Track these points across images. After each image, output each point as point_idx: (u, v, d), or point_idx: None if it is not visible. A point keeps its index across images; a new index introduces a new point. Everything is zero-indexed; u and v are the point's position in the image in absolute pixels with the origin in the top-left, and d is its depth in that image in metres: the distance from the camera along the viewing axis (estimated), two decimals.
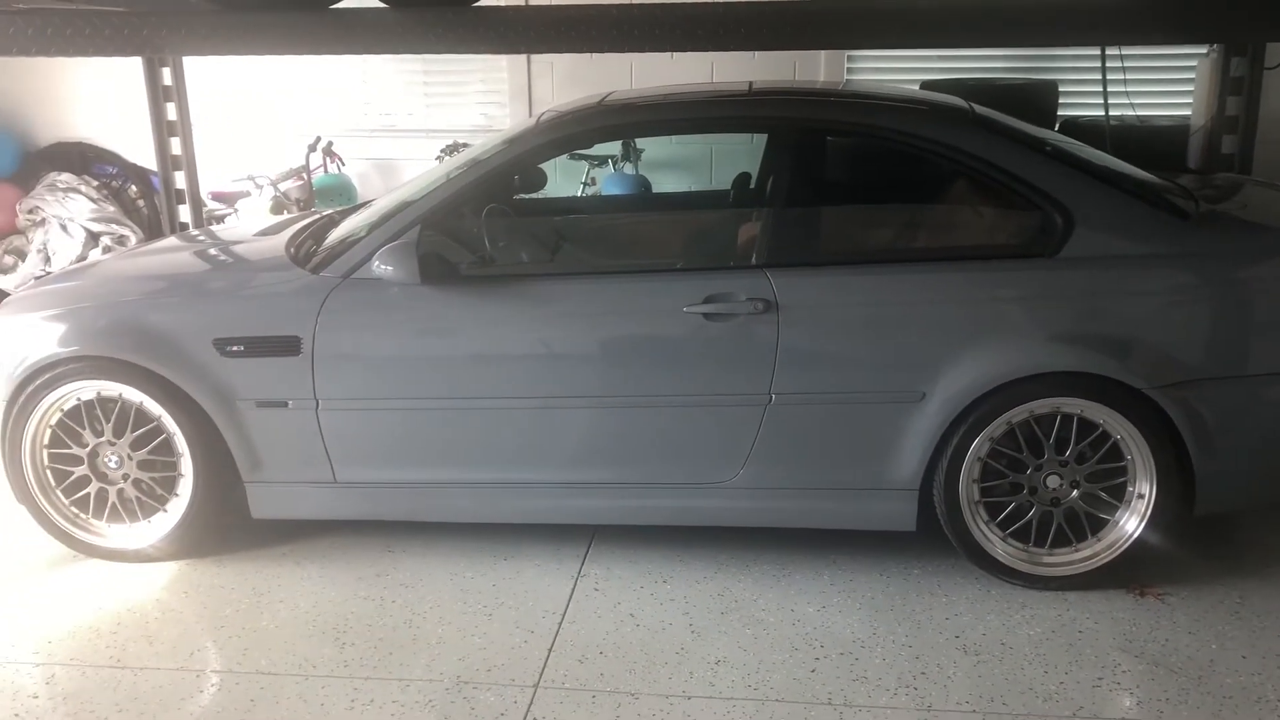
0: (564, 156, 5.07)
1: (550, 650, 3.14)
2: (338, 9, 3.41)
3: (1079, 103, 6.14)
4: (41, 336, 3.55)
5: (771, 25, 3.21)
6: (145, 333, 3.49)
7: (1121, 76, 5.16)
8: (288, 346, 3.43)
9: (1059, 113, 5.78)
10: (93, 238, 6.55)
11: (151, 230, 6.84)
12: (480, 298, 3.41)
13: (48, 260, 6.50)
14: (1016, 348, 3.24)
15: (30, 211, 6.59)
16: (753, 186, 3.52)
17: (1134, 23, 3.29)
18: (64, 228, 6.53)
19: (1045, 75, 6.05)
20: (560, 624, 3.27)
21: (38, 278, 6.44)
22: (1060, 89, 5.80)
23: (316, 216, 4.30)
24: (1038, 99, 5.62)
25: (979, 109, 3.66)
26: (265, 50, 3.56)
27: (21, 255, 6.55)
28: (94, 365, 3.52)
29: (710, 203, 4.24)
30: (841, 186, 3.60)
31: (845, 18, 3.29)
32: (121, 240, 6.60)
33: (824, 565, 3.57)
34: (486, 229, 3.61)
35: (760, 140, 4.45)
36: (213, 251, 4.13)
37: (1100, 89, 5.13)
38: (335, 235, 3.80)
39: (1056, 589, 3.39)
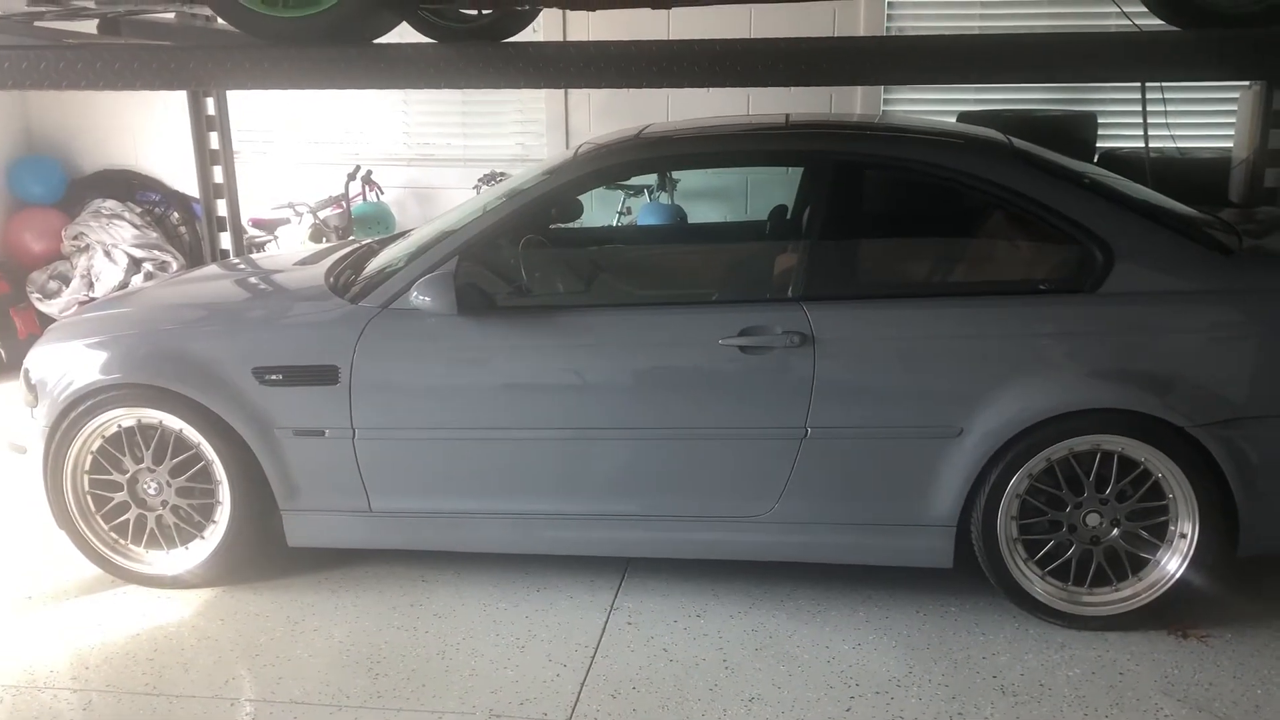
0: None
1: (583, 684, 3.12)
2: (380, 44, 3.44)
3: (1118, 134, 6.09)
4: (85, 363, 3.60)
5: (808, 61, 3.21)
6: (186, 361, 3.53)
7: (1162, 109, 5.11)
8: (326, 376, 3.45)
9: (1098, 144, 5.73)
10: (135, 263, 6.64)
11: (192, 256, 6.93)
12: (517, 328, 3.42)
13: (91, 285, 6.59)
14: (1056, 384, 3.20)
15: (75, 237, 6.70)
16: (789, 218, 3.51)
17: (1175, 59, 3.25)
18: (108, 254, 6.63)
19: (1084, 107, 6.01)
20: (593, 657, 3.26)
21: (82, 303, 6.54)
22: (1099, 120, 5.75)
23: (355, 246, 4.33)
24: (1076, 130, 5.57)
25: (1018, 142, 3.64)
26: (307, 85, 3.60)
27: (66, 280, 6.65)
28: (136, 393, 3.56)
29: (746, 234, 4.25)
30: (879, 220, 3.58)
31: (882, 55, 3.29)
32: (163, 266, 6.69)
33: (860, 602, 3.54)
34: (523, 260, 3.63)
35: (797, 171, 4.46)
36: (252, 280, 4.18)
37: (1140, 120, 5.10)
38: (374, 265, 3.83)
39: (1096, 629, 3.34)
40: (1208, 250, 3.31)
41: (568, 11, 6.23)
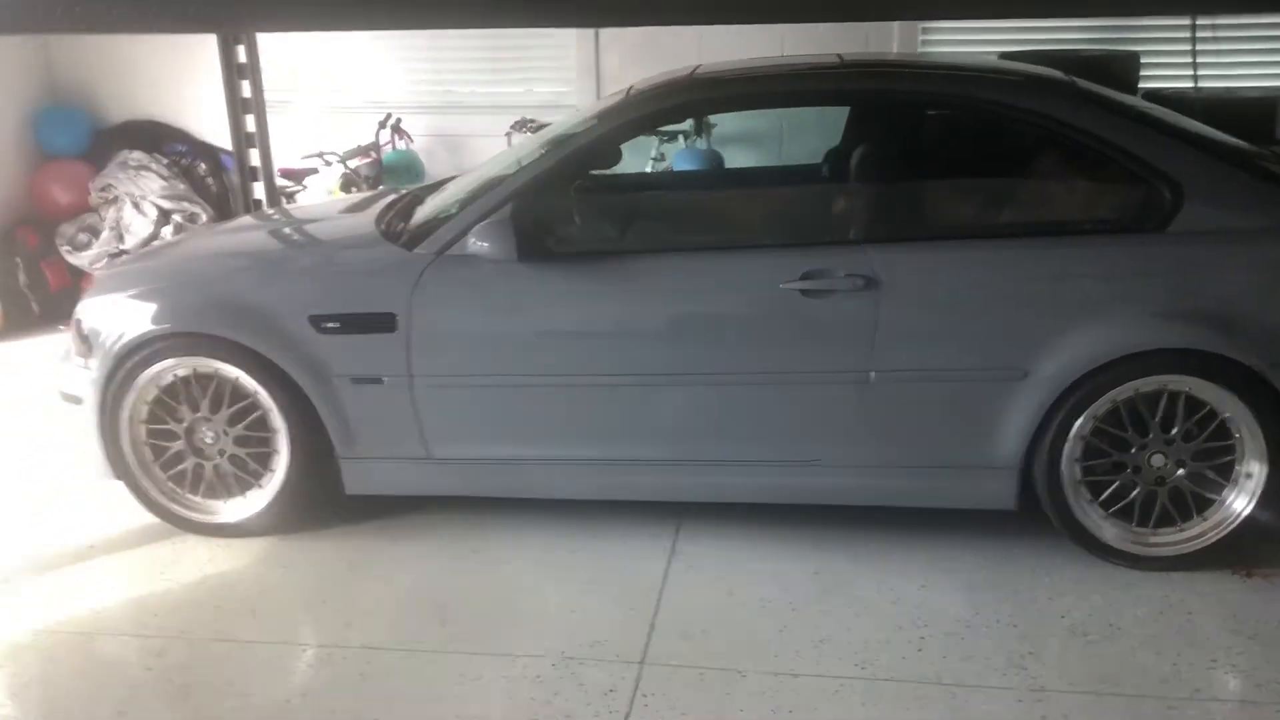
0: None
1: (652, 627, 3.13)
2: None
3: (1161, 75, 5.99)
4: (138, 313, 3.57)
5: None
6: (241, 309, 3.51)
7: (1212, 47, 5.04)
8: (383, 323, 3.43)
9: (1140, 85, 5.65)
10: (164, 215, 6.59)
11: (220, 208, 6.88)
12: (575, 274, 3.40)
13: (121, 237, 6.55)
14: (1123, 325, 3.17)
15: (103, 189, 6.64)
16: (850, 160, 3.46)
17: None
18: (136, 205, 6.57)
19: (1126, 46, 5.91)
20: (659, 600, 3.27)
21: (112, 255, 6.51)
22: (1141, 60, 5.66)
23: (400, 193, 4.29)
24: (1119, 70, 5.49)
25: (1081, 82, 3.58)
26: (343, 26, 3.51)
27: (95, 233, 6.61)
28: (191, 342, 3.54)
29: (801, 178, 4.19)
30: (943, 160, 3.54)
31: None
32: (192, 218, 6.64)
33: (920, 543, 3.54)
34: (579, 205, 3.58)
35: (833, 113, 4.40)
36: (303, 229, 4.15)
37: (1184, 59, 5.03)
38: (424, 212, 3.79)
39: (1161, 569, 3.33)
40: (1275, 187, 3.26)
41: None
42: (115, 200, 6.63)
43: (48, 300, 6.50)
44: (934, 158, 3.51)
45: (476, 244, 3.33)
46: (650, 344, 3.39)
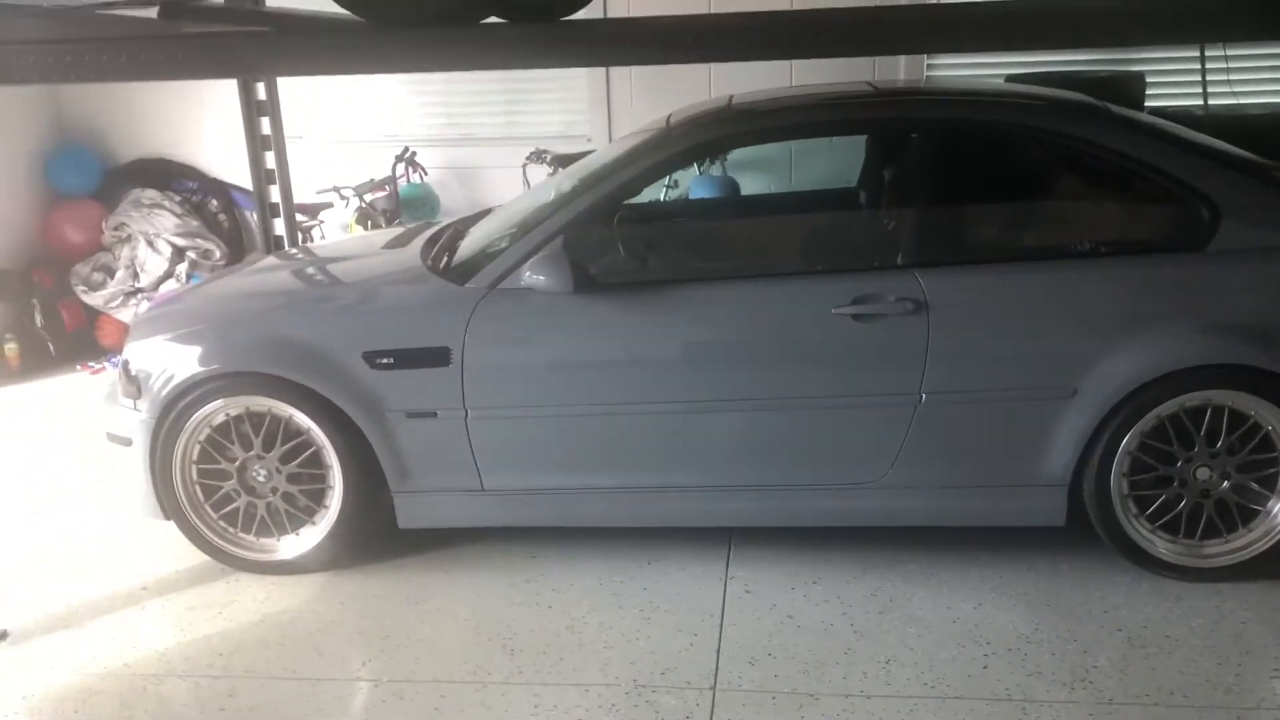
0: None
1: (718, 653, 3.17)
2: (422, 31, 3.30)
3: (1166, 94, 6.11)
4: (185, 355, 3.59)
5: (858, 30, 3.14)
6: (293, 347, 3.54)
7: (1220, 65, 5.17)
8: (438, 357, 3.47)
9: (1145, 104, 5.76)
10: (179, 252, 6.60)
11: (232, 244, 6.90)
12: (628, 304, 3.45)
13: (136, 275, 6.55)
14: (1168, 342, 3.25)
15: (117, 228, 6.65)
16: (894, 186, 3.53)
17: (1227, 20, 3.18)
18: (150, 243, 6.58)
19: (1131, 67, 6.03)
20: (721, 626, 3.30)
21: (128, 293, 6.51)
22: (1147, 79, 5.78)
23: (440, 227, 4.33)
24: (1125, 91, 5.59)
25: (1114, 107, 3.67)
26: (353, 70, 3.52)
27: (110, 271, 6.61)
28: (242, 381, 3.56)
29: (840, 202, 4.26)
30: (987, 185, 3.61)
31: (929, 24, 3.25)
32: (206, 254, 6.66)
33: (970, 562, 3.59)
34: (625, 236, 3.64)
35: (845, 140, 4.46)
36: (348, 265, 4.18)
37: (1190, 79, 5.14)
38: (470, 246, 3.84)
39: (1209, 580, 3.40)
40: None
41: None
42: (129, 238, 6.64)
43: (64, 340, 6.49)
44: (977, 183, 3.58)
45: (532, 277, 3.38)
46: (703, 371, 3.44)
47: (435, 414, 3.52)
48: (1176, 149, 3.40)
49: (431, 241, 4.07)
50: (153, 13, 4.46)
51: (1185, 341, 3.25)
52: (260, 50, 3.37)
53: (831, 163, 5.91)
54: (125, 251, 6.63)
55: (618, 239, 3.64)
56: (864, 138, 4.23)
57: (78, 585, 3.73)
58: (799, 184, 6.33)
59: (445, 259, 3.81)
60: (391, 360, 3.49)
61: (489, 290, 3.49)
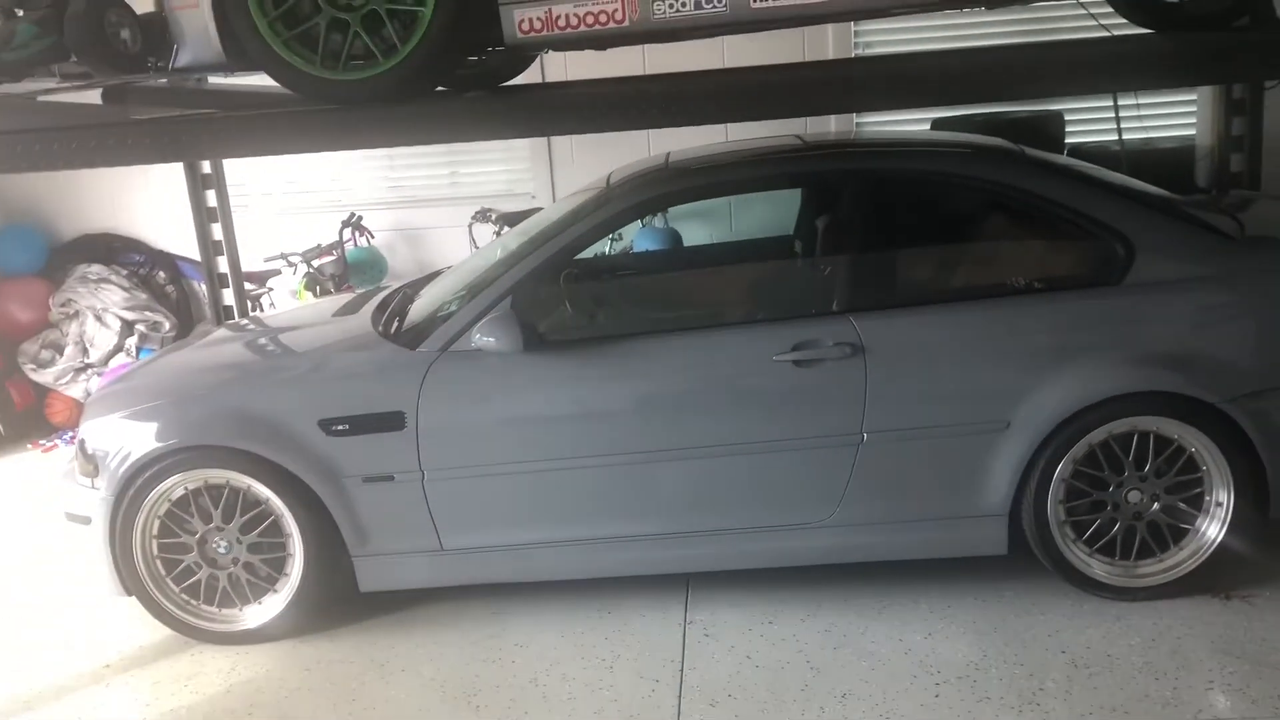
0: None
1: (680, 697, 3.25)
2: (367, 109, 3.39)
3: (1084, 130, 6.37)
4: (141, 431, 3.64)
5: (790, 92, 3.32)
6: (249, 419, 3.60)
7: (1131, 101, 5.42)
8: (392, 422, 3.55)
9: (1066, 141, 6.01)
10: (128, 326, 6.61)
11: (181, 315, 6.92)
12: (578, 360, 3.56)
13: (85, 351, 6.55)
14: (1093, 373, 3.42)
15: (64, 304, 6.65)
16: (827, 234, 3.69)
17: (1144, 70, 3.36)
18: (99, 318, 6.59)
19: (1051, 106, 6.28)
20: (681, 671, 3.38)
21: (77, 369, 6.51)
22: (1066, 118, 6.03)
23: (388, 291, 4.42)
24: (1046, 129, 5.84)
25: (1030, 150, 3.86)
26: (303, 149, 3.61)
27: (59, 348, 6.60)
28: (198, 455, 3.61)
29: (777, 251, 4.41)
30: (914, 231, 3.78)
31: (857, 82, 3.47)
32: (156, 326, 6.67)
33: (919, 594, 3.71)
34: (570, 294, 3.75)
35: (781, 191, 4.63)
36: (299, 335, 4.24)
37: (1105, 116, 5.37)
38: (420, 309, 3.93)
39: (1145, 599, 3.55)
40: (1217, 237, 3.55)
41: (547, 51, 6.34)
42: (77, 314, 6.64)
43: (14, 420, 6.46)
44: (906, 229, 3.76)
45: (482, 339, 3.48)
46: (651, 422, 3.55)
47: (392, 477, 3.59)
48: (1090, 189, 3.60)
49: (382, 307, 4.15)
50: (96, 97, 4.55)
51: (1108, 371, 3.42)
52: (211, 135, 3.48)
53: (770, 210, 6.05)
54: (73, 328, 6.63)
55: (564, 297, 3.75)
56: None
57: (41, 667, 3.73)
58: (739, 231, 6.48)
59: (396, 324, 3.90)
60: (347, 427, 3.56)
61: (440, 353, 3.58)
